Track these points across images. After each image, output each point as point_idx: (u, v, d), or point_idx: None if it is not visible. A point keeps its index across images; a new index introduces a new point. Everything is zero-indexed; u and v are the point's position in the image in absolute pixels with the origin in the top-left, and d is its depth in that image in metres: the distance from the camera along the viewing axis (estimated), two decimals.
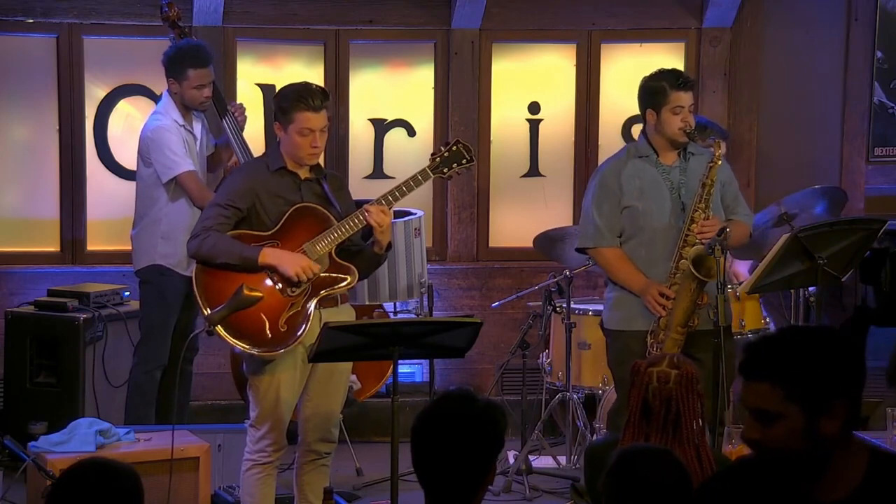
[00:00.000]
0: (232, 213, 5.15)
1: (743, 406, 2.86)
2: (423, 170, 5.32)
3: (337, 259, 5.20)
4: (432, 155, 5.38)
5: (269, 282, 5.12)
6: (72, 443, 5.44)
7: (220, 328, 4.99)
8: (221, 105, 6.54)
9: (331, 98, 7.64)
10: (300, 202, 5.19)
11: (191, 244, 5.17)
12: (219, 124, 6.62)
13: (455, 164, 5.35)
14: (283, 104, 5.19)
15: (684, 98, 5.50)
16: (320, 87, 5.24)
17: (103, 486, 3.17)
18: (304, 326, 5.11)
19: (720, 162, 5.46)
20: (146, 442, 5.56)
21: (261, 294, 5.03)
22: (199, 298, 5.09)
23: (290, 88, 5.25)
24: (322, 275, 5.16)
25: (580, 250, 5.78)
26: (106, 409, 6.61)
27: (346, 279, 5.20)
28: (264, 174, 5.22)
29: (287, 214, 5.15)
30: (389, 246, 5.26)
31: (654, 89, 5.53)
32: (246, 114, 6.61)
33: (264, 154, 5.54)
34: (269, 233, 5.15)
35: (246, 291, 4.97)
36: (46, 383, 6.76)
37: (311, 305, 5.14)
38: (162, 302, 6.43)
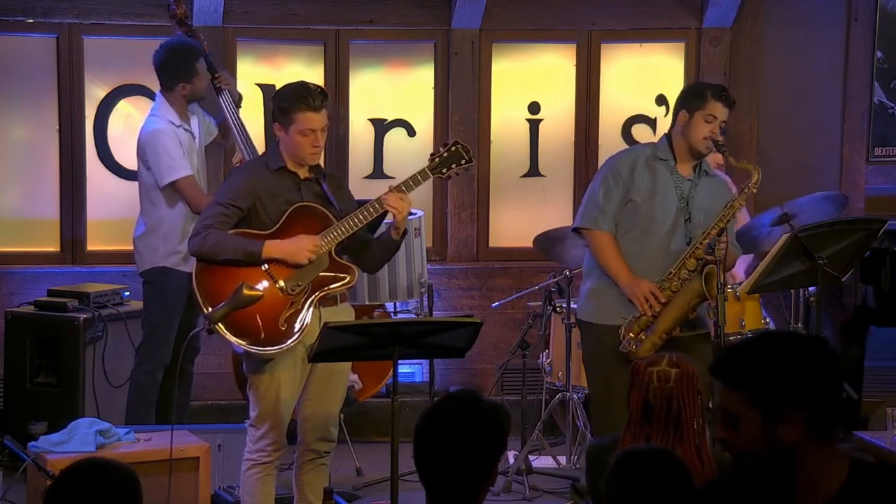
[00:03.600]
0: (233, 212, 5.15)
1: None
2: (423, 170, 5.33)
3: (337, 258, 5.21)
4: (431, 155, 5.39)
5: (269, 281, 5.13)
6: (72, 443, 5.44)
7: (220, 326, 5.00)
8: (219, 91, 6.54)
9: (331, 98, 7.70)
10: (300, 201, 5.19)
11: (192, 242, 5.17)
12: (220, 114, 6.63)
13: (454, 165, 5.36)
14: (282, 105, 5.19)
15: (720, 110, 5.47)
16: (319, 87, 5.24)
17: (102, 486, 3.18)
18: (303, 325, 5.11)
19: (755, 190, 5.45)
20: (146, 442, 5.55)
21: (260, 293, 5.04)
22: (198, 297, 5.10)
23: (289, 89, 5.25)
24: (322, 274, 5.17)
25: (576, 230, 5.72)
26: (106, 409, 6.61)
27: (345, 278, 5.21)
28: (264, 174, 5.22)
29: (287, 213, 5.16)
30: (405, 232, 5.27)
31: (696, 92, 5.55)
32: (232, 82, 6.63)
33: (264, 154, 5.55)
34: (269, 231, 5.15)
35: (246, 290, 4.98)
36: (46, 383, 6.75)
37: (311, 304, 5.14)
38: (165, 302, 6.43)
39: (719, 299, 5.29)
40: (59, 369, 6.72)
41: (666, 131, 5.64)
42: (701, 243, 5.41)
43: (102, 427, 5.54)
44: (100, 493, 3.17)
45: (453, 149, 5.37)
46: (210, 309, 5.02)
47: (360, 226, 5.19)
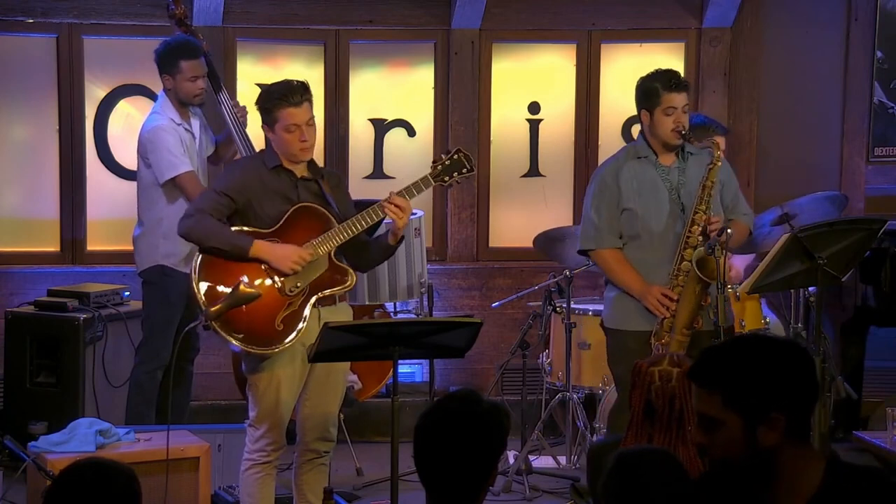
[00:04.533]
0: (226, 201, 5.16)
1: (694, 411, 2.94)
2: (425, 177, 5.35)
3: (335, 261, 5.21)
4: (434, 162, 5.40)
5: (268, 280, 5.13)
6: (72, 443, 5.44)
7: (216, 324, 5.00)
8: (216, 81, 6.53)
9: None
10: (297, 200, 5.20)
11: (183, 223, 5.18)
12: (217, 111, 6.61)
13: (455, 173, 5.38)
14: (265, 105, 5.22)
15: (677, 99, 5.51)
16: (300, 82, 5.24)
17: (101, 486, 3.18)
18: (300, 326, 5.11)
19: (720, 163, 5.47)
20: (146, 442, 5.55)
21: (258, 292, 5.05)
22: (197, 293, 5.10)
23: (270, 89, 5.26)
24: (321, 275, 5.17)
25: (582, 252, 5.79)
26: (106, 409, 6.61)
27: (345, 280, 5.21)
28: (261, 170, 5.23)
29: (287, 214, 5.17)
30: (402, 238, 5.28)
31: (648, 90, 5.56)
32: (247, 115, 6.61)
33: (261, 152, 5.55)
34: (270, 230, 5.16)
35: (244, 289, 4.99)
36: (46, 383, 6.75)
37: (309, 305, 5.14)
38: (165, 302, 6.43)
39: (720, 299, 5.30)
40: (59, 369, 6.71)
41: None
42: (690, 231, 5.44)
43: (102, 427, 5.54)
44: (99, 493, 3.17)
45: (455, 157, 5.39)
46: (208, 305, 5.03)
47: (359, 231, 5.20)
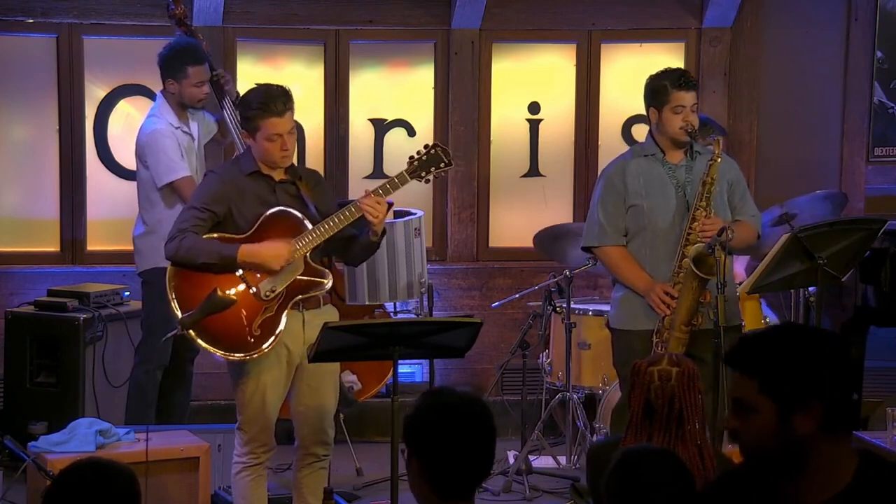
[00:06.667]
0: (208, 216, 5.13)
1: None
2: (401, 173, 5.25)
3: (311, 262, 5.16)
4: (410, 158, 5.29)
5: (242, 286, 5.09)
6: (72, 443, 5.44)
7: (192, 332, 4.98)
8: (220, 91, 6.53)
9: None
10: (276, 204, 5.16)
11: (168, 246, 5.14)
12: (221, 117, 6.63)
13: (433, 168, 5.28)
14: (246, 113, 5.17)
15: (685, 97, 5.51)
16: (282, 89, 5.18)
17: (101, 486, 3.18)
18: (278, 330, 5.07)
19: (719, 160, 5.47)
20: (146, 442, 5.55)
21: (234, 297, 5.03)
22: (171, 301, 5.07)
23: (252, 95, 5.20)
24: (297, 278, 5.13)
25: (586, 249, 5.78)
26: (106, 409, 6.61)
27: (321, 282, 5.16)
28: (238, 178, 5.20)
29: (261, 219, 5.13)
30: (384, 232, 5.24)
31: (657, 88, 5.56)
32: (231, 80, 6.60)
33: (236, 158, 5.53)
34: (244, 236, 5.12)
35: (219, 295, 4.98)
36: (46, 383, 6.75)
37: (286, 309, 5.10)
38: (164, 302, 6.40)
39: (720, 298, 5.30)
40: (59, 369, 6.71)
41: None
42: (690, 227, 5.44)
43: (102, 427, 5.54)
44: (99, 493, 3.17)
45: (433, 151, 5.28)
46: (182, 313, 5.00)
47: (336, 230, 5.14)
